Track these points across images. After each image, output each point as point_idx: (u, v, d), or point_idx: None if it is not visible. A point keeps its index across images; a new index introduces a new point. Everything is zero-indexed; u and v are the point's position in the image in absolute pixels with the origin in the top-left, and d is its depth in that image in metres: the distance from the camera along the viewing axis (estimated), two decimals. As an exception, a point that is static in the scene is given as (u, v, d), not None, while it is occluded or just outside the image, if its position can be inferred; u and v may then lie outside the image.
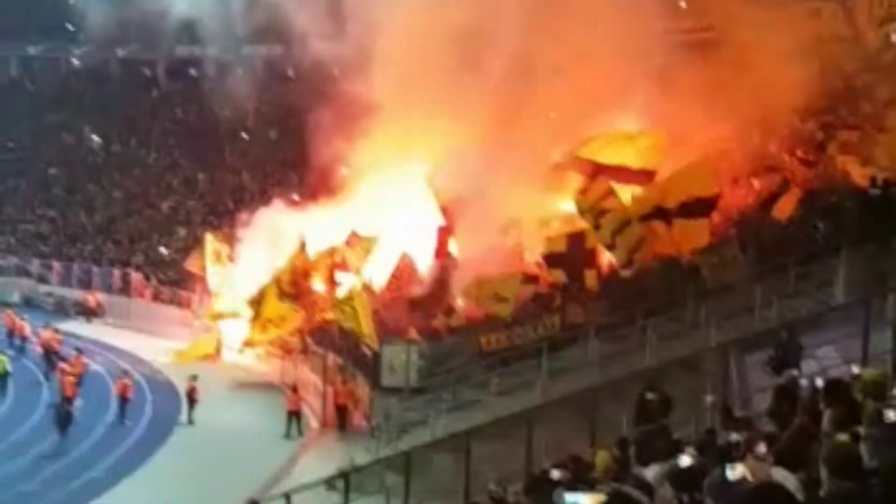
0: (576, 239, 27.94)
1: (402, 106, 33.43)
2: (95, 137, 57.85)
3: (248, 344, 35.14)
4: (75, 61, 65.64)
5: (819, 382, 11.18)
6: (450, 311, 29.51)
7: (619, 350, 24.79)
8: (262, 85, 55.60)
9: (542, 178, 30.40)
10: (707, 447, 10.34)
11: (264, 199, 42.26)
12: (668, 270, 26.95)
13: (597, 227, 26.77)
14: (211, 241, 39.29)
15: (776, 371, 15.37)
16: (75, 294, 45.93)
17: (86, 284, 46.46)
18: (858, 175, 24.92)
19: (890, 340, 13.82)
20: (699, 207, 25.74)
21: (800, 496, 5.88)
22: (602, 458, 12.11)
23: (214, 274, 38.82)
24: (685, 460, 9.16)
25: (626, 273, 26.67)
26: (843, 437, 7.01)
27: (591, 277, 27.96)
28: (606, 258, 28.34)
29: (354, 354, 30.23)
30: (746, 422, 11.64)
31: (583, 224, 27.82)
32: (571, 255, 27.98)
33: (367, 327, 28.43)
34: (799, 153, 29.11)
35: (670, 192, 26.06)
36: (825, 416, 8.30)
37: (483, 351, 27.62)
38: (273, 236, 36.91)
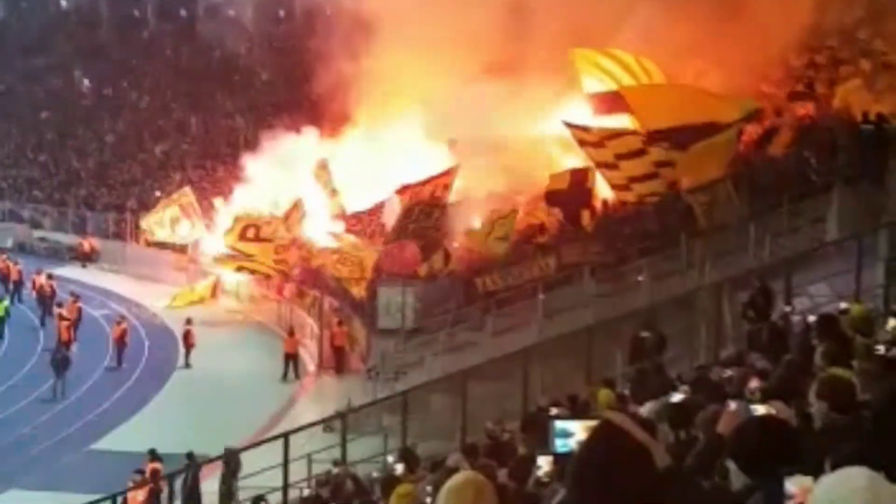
0: (578, 176, 27.84)
1: (399, 44, 33.11)
2: (86, 81, 57.40)
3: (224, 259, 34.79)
4: (63, 2, 64.92)
5: (811, 318, 11.28)
6: (446, 254, 29.52)
7: (614, 289, 24.89)
8: (254, 25, 55.11)
9: (542, 118, 30.22)
10: (700, 384, 10.45)
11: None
12: (663, 210, 26.96)
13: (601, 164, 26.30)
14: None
15: (753, 320, 15.45)
16: (69, 239, 45.87)
17: (80, 229, 46.40)
18: (857, 106, 24.80)
19: (882, 276, 13.91)
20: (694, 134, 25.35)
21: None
22: (604, 394, 12.24)
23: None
24: (678, 397, 9.28)
25: (627, 196, 26.50)
26: (838, 370, 7.08)
27: (586, 217, 27.97)
28: (602, 199, 28.33)
29: (350, 297, 30.34)
30: (739, 358, 11.74)
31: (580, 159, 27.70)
32: (571, 193, 27.93)
33: (365, 274, 28.62)
34: (791, 90, 28.96)
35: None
36: (817, 351, 8.38)
37: (479, 292, 27.71)
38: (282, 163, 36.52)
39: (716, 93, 26.17)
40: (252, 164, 38.75)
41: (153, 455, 19.79)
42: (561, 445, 6.60)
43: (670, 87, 27.77)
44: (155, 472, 19.16)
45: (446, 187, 30.18)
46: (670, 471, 2.70)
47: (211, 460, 19.87)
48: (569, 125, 26.40)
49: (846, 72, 27.96)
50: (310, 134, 37.51)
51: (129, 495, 18.25)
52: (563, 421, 6.99)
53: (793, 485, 3.50)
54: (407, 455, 13.20)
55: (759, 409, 6.29)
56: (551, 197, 28.42)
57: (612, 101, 27.96)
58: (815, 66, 29.59)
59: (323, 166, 34.29)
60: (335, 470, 17.12)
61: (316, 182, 34.34)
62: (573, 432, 6.47)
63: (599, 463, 2.62)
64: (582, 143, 26.30)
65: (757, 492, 4.17)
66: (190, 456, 19.97)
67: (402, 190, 30.04)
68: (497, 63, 31.63)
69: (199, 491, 19.61)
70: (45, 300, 34.52)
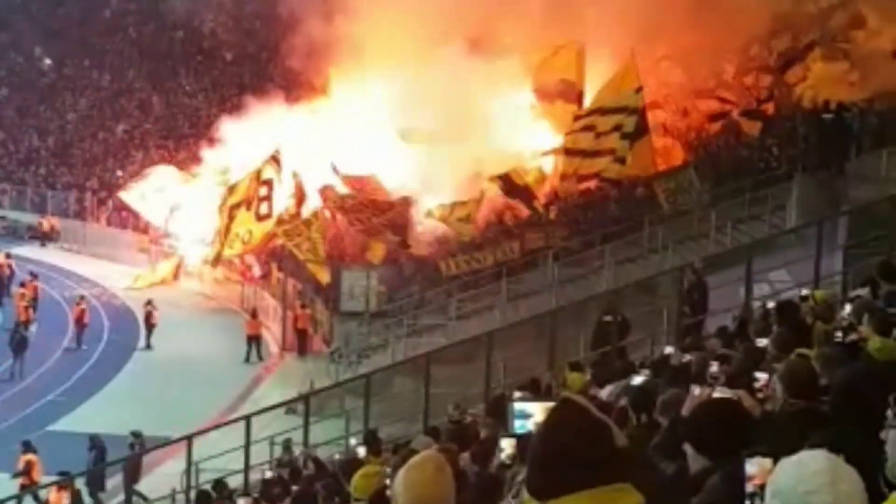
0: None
1: (374, 13, 32.94)
2: (47, 59, 56.67)
3: (216, 260, 34.19)
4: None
5: (771, 304, 11.41)
6: (403, 242, 29.55)
7: (578, 274, 25.04)
8: (218, 5, 54.60)
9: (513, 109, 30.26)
10: (661, 368, 10.53)
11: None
12: (625, 196, 27.15)
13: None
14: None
15: (688, 314, 15.58)
16: (29, 218, 45.36)
17: (40, 208, 45.87)
18: (809, 100, 25.15)
19: (840, 263, 14.08)
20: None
21: (756, 413, 6.02)
22: (574, 377, 12.30)
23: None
24: (638, 380, 9.35)
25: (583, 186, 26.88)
26: (800, 355, 7.17)
27: (538, 204, 28.26)
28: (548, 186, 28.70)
29: (314, 279, 30.27)
30: (700, 343, 11.85)
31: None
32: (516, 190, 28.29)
33: (320, 257, 28.52)
34: (749, 80, 29.19)
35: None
36: (771, 336, 8.49)
37: (443, 275, 27.77)
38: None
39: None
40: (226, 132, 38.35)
41: (27, 446, 19.40)
42: (519, 427, 6.66)
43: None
44: (29, 464, 18.90)
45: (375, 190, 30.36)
46: (629, 449, 2.73)
47: (169, 443, 19.77)
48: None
49: (812, 59, 28.20)
50: (276, 110, 37.12)
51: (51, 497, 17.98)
52: (521, 402, 7.05)
53: (752, 466, 3.55)
54: (370, 438, 13.22)
55: (718, 394, 6.37)
56: (507, 189, 28.63)
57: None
58: (780, 55, 29.79)
59: (275, 159, 34.09)
60: (296, 452, 17.15)
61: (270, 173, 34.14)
62: (531, 413, 6.52)
63: (560, 441, 2.64)
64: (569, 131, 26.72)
65: (714, 474, 4.23)
66: (137, 435, 19.87)
67: (324, 190, 30.24)
68: (472, 38, 31.44)
69: (139, 471, 19.52)
70: (3, 280, 34.13)
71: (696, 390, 6.36)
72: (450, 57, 30.41)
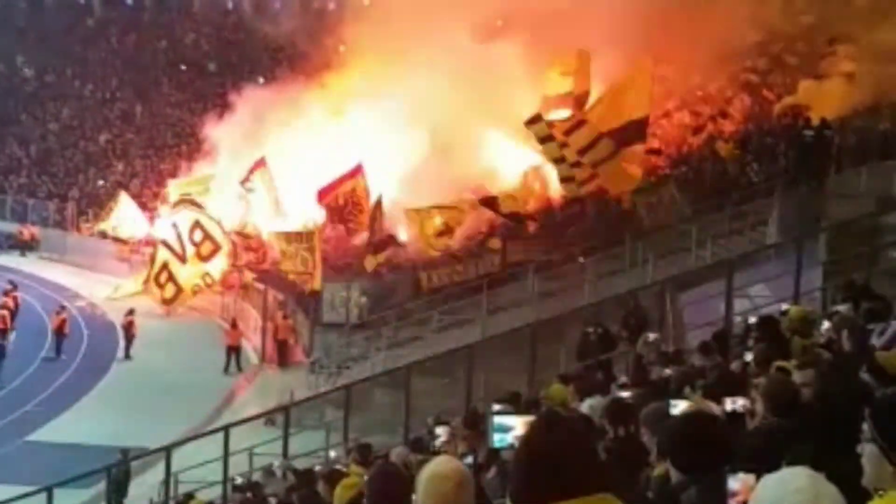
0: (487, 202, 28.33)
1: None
2: (28, 68, 56.41)
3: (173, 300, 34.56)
4: (7, -12, 63.62)
5: (752, 320, 11.47)
6: (392, 249, 29.58)
7: (559, 287, 25.09)
8: (201, 15, 54.55)
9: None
10: (640, 382, 10.56)
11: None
12: (606, 210, 27.25)
13: (560, 159, 26.65)
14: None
15: (630, 340, 15.63)
16: (8, 227, 45.07)
17: (20, 217, 45.60)
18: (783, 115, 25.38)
19: (820, 279, 14.16)
20: (633, 133, 25.93)
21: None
22: (557, 389, 12.29)
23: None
24: (620, 394, 9.37)
25: (584, 190, 26.91)
26: (784, 371, 7.21)
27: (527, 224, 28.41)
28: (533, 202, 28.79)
29: (295, 290, 30.22)
30: (679, 357, 11.89)
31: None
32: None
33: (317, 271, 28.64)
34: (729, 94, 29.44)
35: (604, 116, 26.20)
36: (752, 352, 8.54)
37: (424, 288, 27.78)
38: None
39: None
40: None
41: None
42: (499, 440, 6.66)
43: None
44: None
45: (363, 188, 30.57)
46: (611, 460, 2.77)
47: (148, 453, 19.66)
48: (532, 121, 26.63)
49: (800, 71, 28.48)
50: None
51: None
52: (501, 416, 7.05)
53: (735, 482, 3.58)
54: (365, 452, 13.14)
55: (681, 405, 6.39)
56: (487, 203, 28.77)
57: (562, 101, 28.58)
58: (762, 71, 30.05)
59: (261, 164, 34.21)
60: (275, 464, 17.06)
61: (259, 182, 34.32)
62: (512, 426, 6.53)
63: (544, 452, 2.66)
64: (543, 139, 26.58)
65: (691, 487, 4.26)
66: (125, 452, 19.75)
67: (322, 195, 30.40)
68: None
69: (127, 486, 19.39)
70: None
71: (675, 406, 6.38)
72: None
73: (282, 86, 38.40)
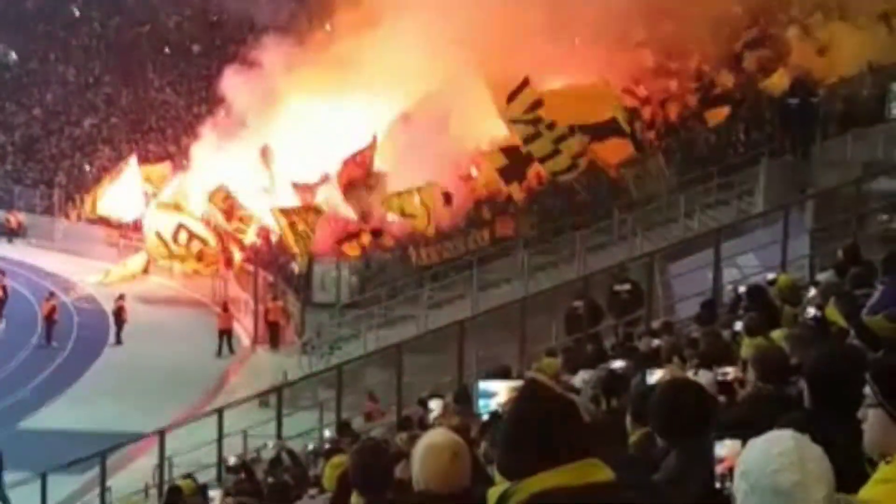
0: (512, 152, 28.06)
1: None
2: (12, 53, 56.07)
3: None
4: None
5: (741, 289, 11.52)
6: (377, 231, 29.56)
7: (548, 262, 25.12)
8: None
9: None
10: (628, 353, 10.60)
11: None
12: (595, 183, 27.26)
13: (533, 136, 26.69)
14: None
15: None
16: (-5, 214, 44.87)
17: (7, 204, 45.39)
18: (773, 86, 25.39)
19: (807, 246, 14.21)
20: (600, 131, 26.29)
21: (715, 395, 6.08)
22: (548, 362, 12.33)
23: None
24: (611, 366, 9.40)
25: (568, 178, 26.96)
26: (771, 339, 7.24)
27: (516, 191, 28.19)
28: (534, 171, 28.51)
29: (285, 271, 30.21)
30: (669, 327, 11.93)
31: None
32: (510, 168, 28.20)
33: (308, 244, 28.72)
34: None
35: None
36: (741, 321, 8.58)
37: (414, 266, 27.78)
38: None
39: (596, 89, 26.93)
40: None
41: None
42: (483, 406, 6.68)
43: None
44: None
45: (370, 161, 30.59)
46: (596, 426, 2.78)
47: (141, 437, 19.65)
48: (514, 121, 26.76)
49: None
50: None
51: None
52: (485, 381, 7.07)
53: (722, 449, 3.59)
54: (342, 429, 13.20)
55: (657, 374, 6.40)
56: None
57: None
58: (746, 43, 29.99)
59: (266, 152, 34.10)
60: (271, 444, 17.09)
61: (261, 166, 34.23)
62: (495, 392, 6.54)
63: (528, 420, 2.67)
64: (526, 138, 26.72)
65: (671, 453, 4.28)
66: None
67: (345, 167, 30.42)
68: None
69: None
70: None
71: (651, 375, 6.39)
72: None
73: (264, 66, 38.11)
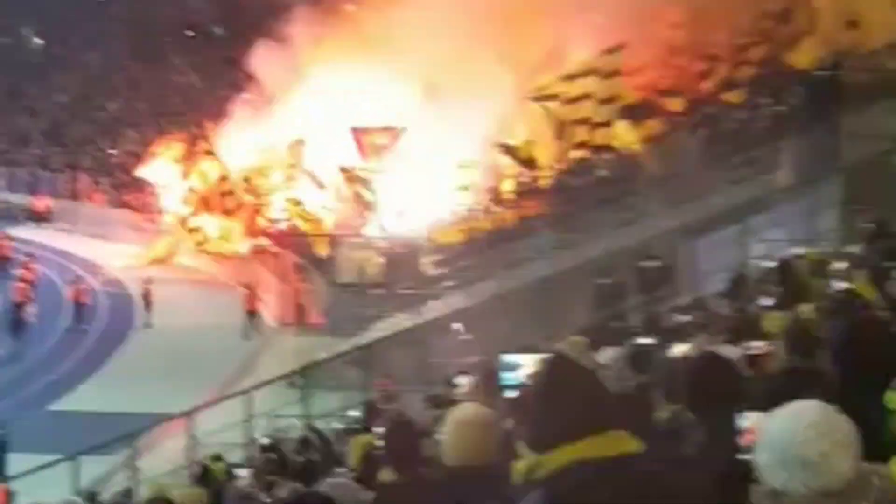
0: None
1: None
2: (35, 39, 56.33)
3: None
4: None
5: (769, 264, 11.44)
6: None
7: (572, 240, 25.01)
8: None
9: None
10: (655, 330, 10.56)
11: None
12: (618, 160, 27.10)
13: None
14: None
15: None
16: (22, 199, 45.19)
17: (33, 189, 45.71)
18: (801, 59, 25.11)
19: (835, 220, 14.09)
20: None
21: (744, 369, 6.03)
22: (576, 340, 12.29)
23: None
24: (638, 342, 9.37)
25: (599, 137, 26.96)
26: (804, 313, 7.18)
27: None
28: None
29: (311, 252, 30.27)
30: (698, 303, 11.87)
31: None
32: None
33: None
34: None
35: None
36: (771, 298, 8.52)
37: (438, 245, 27.76)
38: None
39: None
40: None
41: None
42: (507, 378, 6.67)
43: None
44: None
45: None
46: (622, 398, 2.76)
47: (170, 418, 19.78)
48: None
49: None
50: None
51: None
52: (510, 354, 7.05)
53: (748, 421, 3.56)
54: (369, 408, 13.24)
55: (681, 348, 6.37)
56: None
57: None
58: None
59: (298, 144, 34.09)
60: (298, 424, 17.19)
61: (289, 159, 34.30)
62: (520, 364, 6.52)
63: (554, 392, 2.66)
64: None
65: (699, 426, 4.25)
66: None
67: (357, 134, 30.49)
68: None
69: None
70: (1, 261, 34.09)
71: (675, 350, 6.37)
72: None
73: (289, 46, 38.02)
